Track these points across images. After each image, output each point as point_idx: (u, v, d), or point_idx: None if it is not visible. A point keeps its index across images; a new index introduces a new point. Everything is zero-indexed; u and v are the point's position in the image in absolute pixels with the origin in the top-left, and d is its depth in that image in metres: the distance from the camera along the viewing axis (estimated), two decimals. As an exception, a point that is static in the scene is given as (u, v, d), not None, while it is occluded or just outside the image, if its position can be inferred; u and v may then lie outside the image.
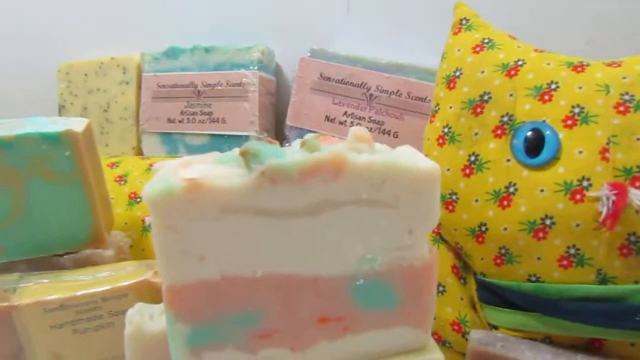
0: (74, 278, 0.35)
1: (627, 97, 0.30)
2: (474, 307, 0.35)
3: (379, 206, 0.23)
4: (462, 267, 0.36)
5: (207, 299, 0.23)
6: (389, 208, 0.23)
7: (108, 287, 0.34)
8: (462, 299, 0.35)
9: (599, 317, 0.29)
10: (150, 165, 0.47)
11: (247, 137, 0.47)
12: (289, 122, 0.46)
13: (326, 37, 0.46)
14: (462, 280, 0.36)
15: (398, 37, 0.44)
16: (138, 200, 0.45)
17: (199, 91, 0.48)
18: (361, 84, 0.43)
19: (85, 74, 0.54)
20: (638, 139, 0.29)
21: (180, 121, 0.49)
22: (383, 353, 0.26)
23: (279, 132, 0.50)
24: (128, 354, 0.29)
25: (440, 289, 0.36)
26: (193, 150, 0.49)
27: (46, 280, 0.35)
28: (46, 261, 0.38)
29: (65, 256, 0.39)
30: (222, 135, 0.48)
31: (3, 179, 0.35)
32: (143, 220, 0.44)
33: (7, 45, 0.60)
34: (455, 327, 0.35)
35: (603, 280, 0.29)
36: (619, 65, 0.31)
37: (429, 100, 0.43)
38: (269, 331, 0.24)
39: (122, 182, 0.46)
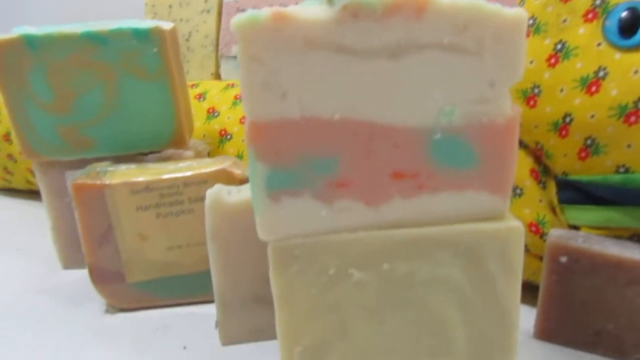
0: (159, 166, 0.37)
1: None
2: (553, 211, 0.34)
3: (461, 53, 0.23)
4: (542, 171, 0.34)
5: (287, 139, 0.23)
6: (471, 55, 0.23)
7: (189, 173, 0.35)
8: (540, 201, 0.34)
9: (696, 207, 0.27)
10: (228, 85, 0.49)
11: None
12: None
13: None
14: (541, 185, 0.34)
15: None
16: (216, 114, 0.47)
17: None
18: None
19: (170, 6, 0.57)
20: None
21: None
22: (459, 217, 0.25)
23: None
24: (208, 224, 0.31)
25: (518, 191, 0.35)
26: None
27: (133, 166, 0.37)
28: (132, 159, 0.41)
29: (149, 155, 0.41)
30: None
31: (98, 73, 0.38)
32: (220, 133, 0.46)
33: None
34: (533, 229, 0.34)
35: (703, 168, 0.27)
36: None
37: None
38: (344, 180, 0.24)
39: (201, 99, 0.48)
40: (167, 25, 0.38)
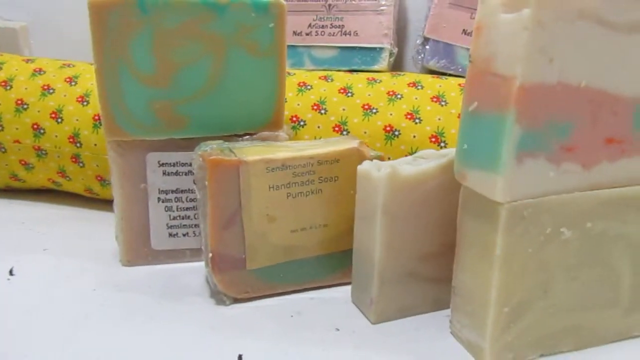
0: (289, 144, 0.35)
1: None
2: None
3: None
4: None
5: (543, 104, 0.25)
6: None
7: (325, 151, 0.34)
8: None
9: None
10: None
11: (380, 49, 0.49)
12: (426, 34, 0.48)
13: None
14: None
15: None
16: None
17: (329, 5, 0.50)
18: None
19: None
20: None
21: (307, 34, 0.50)
22: (646, 180, 0.29)
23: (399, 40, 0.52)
24: (381, 196, 0.31)
25: None
26: (320, 63, 0.50)
27: (262, 144, 0.35)
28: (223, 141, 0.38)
29: (244, 137, 0.39)
30: (354, 48, 0.49)
31: (208, 44, 0.35)
32: (291, 119, 0.44)
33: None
34: None
35: None
36: None
37: None
38: (573, 144, 0.27)
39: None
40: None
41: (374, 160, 0.33)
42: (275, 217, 0.34)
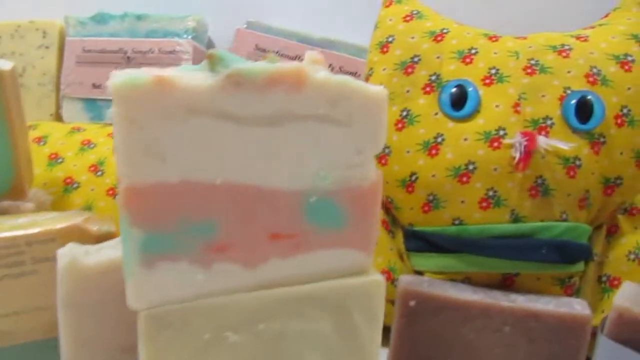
0: (-6, 222, 0.32)
1: (533, 62, 0.34)
2: (401, 258, 0.38)
3: (334, 124, 0.25)
4: (391, 221, 0.38)
5: (165, 204, 0.23)
6: (342, 126, 0.25)
7: (34, 231, 0.32)
8: (391, 249, 0.38)
9: (512, 251, 0.33)
10: (73, 128, 0.45)
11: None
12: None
13: (260, 11, 0.48)
14: (390, 234, 0.38)
15: (330, 15, 0.47)
16: (59, 160, 0.43)
17: (129, 57, 0.47)
18: (295, 57, 0.45)
19: (-1, 36, 0.51)
20: (543, 96, 0.33)
21: (107, 87, 0.48)
22: (330, 273, 0.27)
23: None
24: (62, 290, 0.28)
25: (370, 240, 0.38)
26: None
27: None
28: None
29: (-21, 208, 0.36)
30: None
31: None
32: (65, 181, 0.42)
33: None
34: (385, 275, 0.37)
35: (516, 219, 0.33)
36: (525, 38, 0.36)
37: (359, 75, 0.46)
38: (223, 244, 0.24)
39: (42, 143, 0.44)
40: (6, 65, 0.34)
41: (73, 245, 0.30)
42: (-24, 304, 0.31)
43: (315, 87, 0.24)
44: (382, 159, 0.36)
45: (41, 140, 0.44)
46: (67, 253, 0.28)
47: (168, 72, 0.22)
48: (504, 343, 0.33)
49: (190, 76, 0.22)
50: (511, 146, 0.32)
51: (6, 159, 0.35)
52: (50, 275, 0.32)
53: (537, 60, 0.34)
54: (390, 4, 0.40)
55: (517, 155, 0.32)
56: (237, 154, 0.23)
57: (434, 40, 0.36)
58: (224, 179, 0.23)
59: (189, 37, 0.47)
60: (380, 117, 0.26)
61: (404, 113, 0.36)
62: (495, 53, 0.35)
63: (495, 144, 0.33)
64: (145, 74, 0.21)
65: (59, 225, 0.32)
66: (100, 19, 0.49)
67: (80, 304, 0.28)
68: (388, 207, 0.38)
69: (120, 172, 0.22)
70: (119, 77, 0.21)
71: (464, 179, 0.33)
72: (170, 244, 0.23)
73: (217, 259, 0.24)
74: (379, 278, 0.28)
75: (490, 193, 0.33)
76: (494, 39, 0.36)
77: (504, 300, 0.33)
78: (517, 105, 0.33)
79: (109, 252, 0.29)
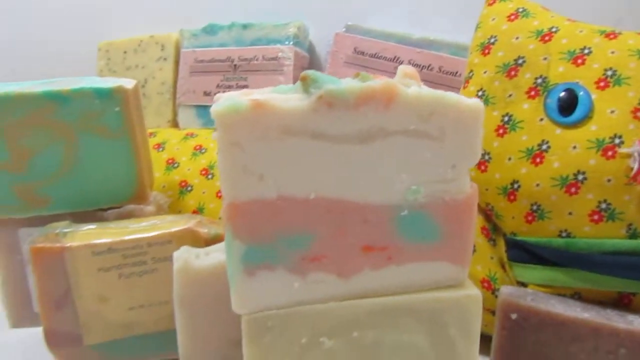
0: (121, 225, 0.36)
1: (658, 61, 0.31)
2: (503, 267, 0.36)
3: (426, 138, 0.25)
4: (492, 229, 0.37)
5: (264, 218, 0.24)
6: (434, 141, 0.25)
7: (154, 234, 0.35)
8: (491, 258, 0.36)
9: (628, 270, 0.30)
10: (187, 134, 0.49)
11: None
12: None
13: (360, 14, 0.48)
14: (491, 242, 0.37)
15: (430, 14, 0.46)
16: (176, 165, 0.47)
17: (235, 65, 0.50)
18: (393, 58, 0.45)
19: (125, 52, 0.57)
20: (669, 99, 0.30)
21: (216, 94, 0.51)
22: (423, 286, 0.27)
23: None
24: (176, 290, 0.31)
25: (471, 248, 0.37)
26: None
27: (94, 227, 0.36)
28: (90, 215, 0.40)
29: (108, 211, 0.40)
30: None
31: (57, 132, 0.37)
32: (180, 184, 0.46)
33: (49, 25, 0.63)
34: (485, 284, 0.36)
35: (633, 235, 0.31)
36: (650, 33, 0.33)
37: (460, 74, 0.45)
38: (318, 255, 0.25)
39: (160, 149, 0.48)
40: (129, 84, 0.38)
41: (186, 248, 0.33)
42: (107, 297, 0.35)
43: (406, 103, 0.24)
44: (481, 165, 0.35)
45: (160, 146, 0.48)
46: (181, 256, 0.31)
47: (265, 96, 0.23)
48: (618, 366, 0.31)
49: (285, 98, 0.23)
50: (629, 156, 0.30)
51: (131, 169, 0.39)
52: (168, 273, 0.35)
53: (662, 59, 0.31)
54: (494, 2, 0.38)
55: (636, 166, 0.29)
56: (329, 171, 0.24)
57: (541, 40, 0.34)
58: (318, 194, 0.24)
59: (290, 43, 0.49)
60: (475, 130, 0.25)
61: (506, 118, 0.34)
62: (612, 52, 0.32)
63: (610, 153, 0.30)
64: (243, 99, 0.23)
65: (174, 229, 0.36)
66: (210, 30, 0.53)
67: (192, 302, 0.31)
68: (488, 215, 0.37)
69: (223, 190, 0.24)
70: (220, 104, 0.22)
71: (572, 189, 0.31)
72: (269, 255, 0.25)
73: (312, 268, 0.25)
74: (476, 292, 0.27)
75: (603, 206, 0.31)
76: (611, 36, 0.33)
77: (620, 322, 0.31)
78: (636, 110, 0.30)
79: (217, 255, 0.31)
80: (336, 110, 0.23)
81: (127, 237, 0.35)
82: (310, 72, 0.23)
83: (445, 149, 0.25)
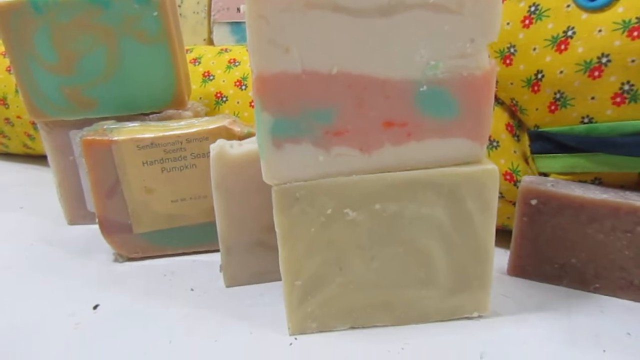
0: (162, 124, 0.39)
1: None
2: (526, 161, 0.37)
3: (445, 12, 0.25)
4: (516, 125, 0.38)
5: (289, 91, 0.26)
6: (453, 14, 0.25)
7: (191, 130, 0.38)
8: (515, 152, 0.37)
9: (650, 151, 0.31)
10: (222, 49, 0.51)
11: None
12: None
13: None
14: (515, 137, 0.38)
15: None
16: (211, 77, 0.49)
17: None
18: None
19: (160, -28, 0.58)
20: (701, -25, 0.29)
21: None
22: (442, 162, 0.29)
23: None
24: (213, 176, 0.34)
25: (495, 143, 0.38)
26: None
27: (137, 124, 0.39)
28: (133, 119, 0.43)
29: (150, 115, 0.43)
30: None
31: (100, 35, 0.40)
32: (216, 95, 0.48)
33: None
34: (508, 177, 0.37)
35: (655, 117, 0.31)
36: None
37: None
38: (341, 129, 0.27)
39: (197, 63, 0.50)
40: (165, -9, 0.40)
41: (222, 140, 0.35)
42: (153, 189, 0.39)
43: (426, -25, 0.24)
44: (507, 58, 0.35)
45: (196, 61, 0.50)
46: (216, 146, 0.34)
47: (289, -30, 0.24)
48: (637, 244, 0.32)
49: (308, -28, 0.24)
50: (654, 34, 0.30)
51: (170, 74, 0.41)
52: (207, 169, 0.38)
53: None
54: None
55: (661, 44, 0.29)
56: (351, 45, 0.25)
57: None
58: (340, 69, 0.26)
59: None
60: (494, 4, 0.25)
61: (532, 8, 0.34)
62: None
63: (635, 34, 0.30)
64: (269, -28, 0.24)
65: (210, 126, 0.38)
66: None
67: (228, 188, 0.34)
68: (513, 110, 0.37)
69: (252, 63, 0.25)
70: (247, -23, 0.24)
71: (596, 73, 0.31)
72: (295, 128, 0.27)
73: (336, 142, 0.27)
74: (492, 167, 0.29)
75: (626, 87, 0.31)
76: None
77: (638, 200, 0.31)
78: (665, -12, 0.30)
79: (249, 145, 0.33)
80: (356, -17, 0.24)
81: (167, 133, 0.37)
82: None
83: (464, 23, 0.26)
